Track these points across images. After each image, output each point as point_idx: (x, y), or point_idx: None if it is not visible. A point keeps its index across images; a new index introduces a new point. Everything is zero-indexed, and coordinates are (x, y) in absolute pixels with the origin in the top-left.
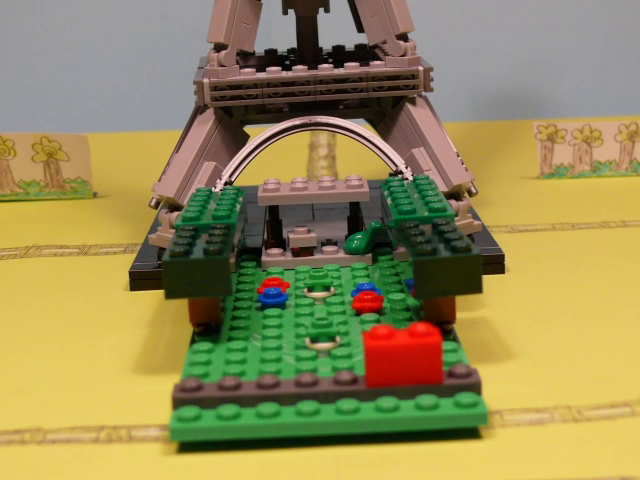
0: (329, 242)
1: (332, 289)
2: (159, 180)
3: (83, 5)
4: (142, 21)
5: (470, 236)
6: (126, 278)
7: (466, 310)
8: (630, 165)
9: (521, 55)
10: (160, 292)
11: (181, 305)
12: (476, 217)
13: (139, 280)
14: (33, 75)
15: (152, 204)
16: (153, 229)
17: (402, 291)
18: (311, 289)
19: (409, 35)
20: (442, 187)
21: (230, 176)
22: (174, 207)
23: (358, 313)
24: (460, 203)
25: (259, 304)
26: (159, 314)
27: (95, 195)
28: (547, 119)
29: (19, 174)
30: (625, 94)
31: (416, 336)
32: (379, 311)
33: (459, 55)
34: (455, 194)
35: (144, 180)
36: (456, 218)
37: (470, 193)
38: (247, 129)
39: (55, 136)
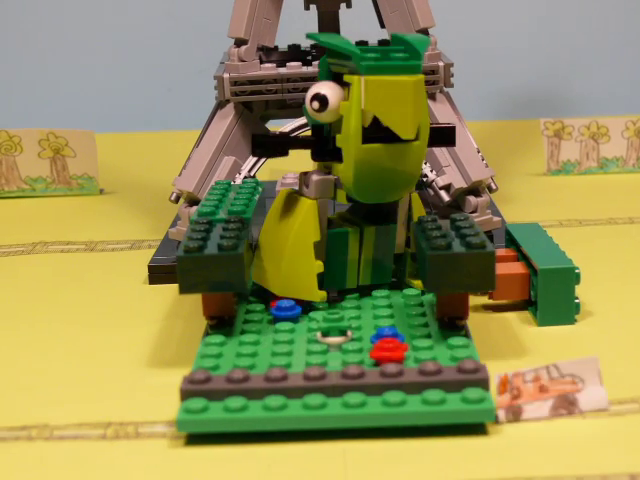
0: None
1: None
2: (179, 174)
3: (90, 2)
4: (148, 22)
5: (489, 232)
6: (133, 273)
7: (478, 306)
8: (637, 161)
9: (531, 55)
10: (172, 286)
11: (196, 298)
12: (496, 213)
13: (158, 274)
14: (39, 72)
15: (172, 198)
16: (174, 223)
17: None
18: None
19: (430, 31)
20: (461, 183)
21: (249, 171)
22: (194, 201)
23: (377, 363)
24: (479, 199)
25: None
26: (173, 308)
27: (101, 191)
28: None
29: (26, 170)
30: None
31: None
32: (400, 361)
33: (468, 56)
34: (474, 190)
35: (150, 177)
36: (475, 214)
37: (490, 189)
38: (267, 124)
39: (62, 132)
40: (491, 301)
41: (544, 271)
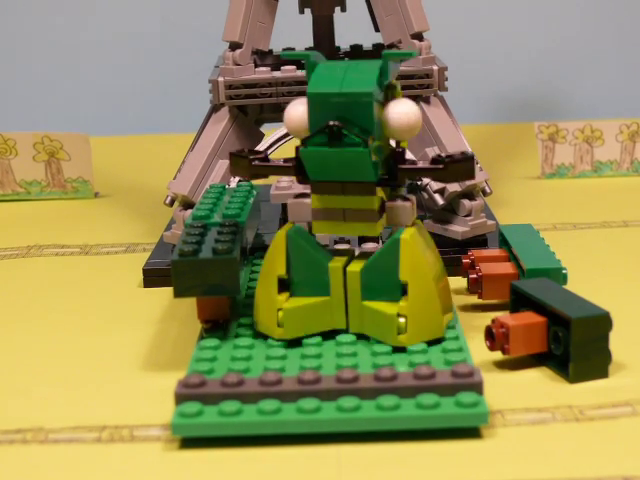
0: (342, 240)
1: None
2: (174, 178)
3: (85, 5)
4: (142, 25)
5: (483, 235)
6: (128, 277)
7: (468, 305)
8: (631, 165)
9: (525, 59)
10: (167, 289)
11: (191, 302)
12: (490, 217)
13: (153, 277)
14: (34, 75)
15: (167, 202)
16: (169, 227)
17: None
18: None
19: (424, 35)
20: (455, 186)
21: None
22: (188, 205)
23: None
24: (473, 203)
25: None
26: (168, 311)
27: (96, 195)
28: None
29: (20, 174)
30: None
31: None
32: None
33: (462, 59)
34: (468, 193)
35: (145, 180)
36: (469, 218)
37: (484, 193)
38: (261, 128)
39: (56, 135)
40: (480, 301)
41: (531, 271)
